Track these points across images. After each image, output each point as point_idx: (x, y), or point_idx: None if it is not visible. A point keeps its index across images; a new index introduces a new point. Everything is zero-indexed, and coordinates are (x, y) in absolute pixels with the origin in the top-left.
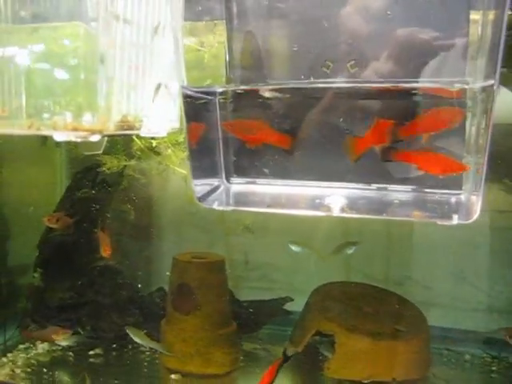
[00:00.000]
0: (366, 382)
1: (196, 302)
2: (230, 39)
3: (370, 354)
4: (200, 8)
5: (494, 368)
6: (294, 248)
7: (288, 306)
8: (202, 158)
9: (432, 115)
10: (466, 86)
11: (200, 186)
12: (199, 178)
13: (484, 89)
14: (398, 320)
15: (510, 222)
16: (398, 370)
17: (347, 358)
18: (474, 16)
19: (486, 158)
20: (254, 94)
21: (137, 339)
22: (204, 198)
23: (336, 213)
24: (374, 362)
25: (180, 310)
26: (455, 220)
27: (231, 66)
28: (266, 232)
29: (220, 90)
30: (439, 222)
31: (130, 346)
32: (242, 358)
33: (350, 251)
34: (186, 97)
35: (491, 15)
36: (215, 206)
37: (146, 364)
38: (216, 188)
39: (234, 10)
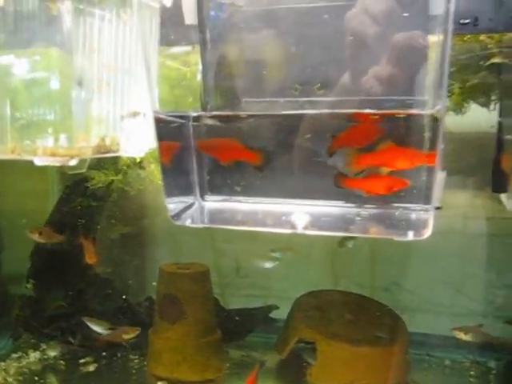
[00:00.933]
0: None
1: (181, 311)
2: (204, 63)
3: (350, 360)
4: (174, 36)
5: (472, 372)
6: (275, 255)
7: (277, 314)
8: (176, 176)
9: (352, 132)
10: (422, 111)
11: (173, 204)
12: (173, 195)
13: (435, 108)
14: (378, 327)
15: (495, 229)
16: (377, 376)
17: (328, 365)
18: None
19: (441, 176)
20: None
21: (94, 327)
22: (178, 215)
23: (299, 230)
24: (355, 368)
25: (166, 319)
26: (410, 236)
27: (206, 89)
28: (255, 239)
29: (193, 114)
30: (395, 238)
31: (119, 355)
32: (228, 365)
33: (349, 245)
34: (158, 120)
35: (441, 39)
36: (188, 224)
37: (134, 372)
38: (190, 206)
39: (208, 35)
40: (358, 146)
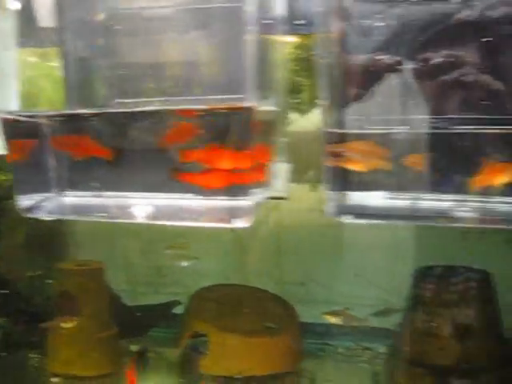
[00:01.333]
0: (237, 377)
1: (75, 308)
2: (65, 65)
3: (240, 350)
4: (36, 38)
5: (363, 358)
6: (169, 252)
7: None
8: (31, 173)
9: (176, 128)
10: (236, 107)
11: (27, 200)
12: (27, 192)
13: (249, 104)
14: (269, 318)
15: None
16: (266, 365)
17: (219, 356)
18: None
19: (283, 168)
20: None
21: None
22: (31, 209)
23: (140, 220)
24: (244, 358)
25: (60, 315)
26: (235, 224)
27: (68, 89)
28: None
29: (44, 114)
30: (220, 226)
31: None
32: (128, 360)
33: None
34: (5, 120)
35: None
36: (43, 217)
37: (33, 370)
38: (44, 200)
39: (69, 37)
40: (181, 142)
